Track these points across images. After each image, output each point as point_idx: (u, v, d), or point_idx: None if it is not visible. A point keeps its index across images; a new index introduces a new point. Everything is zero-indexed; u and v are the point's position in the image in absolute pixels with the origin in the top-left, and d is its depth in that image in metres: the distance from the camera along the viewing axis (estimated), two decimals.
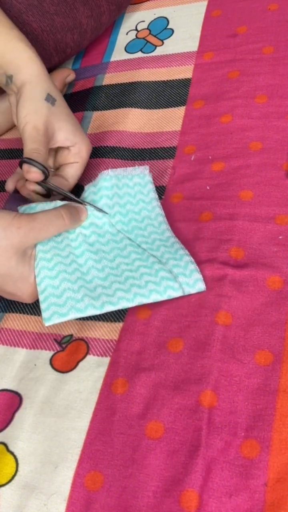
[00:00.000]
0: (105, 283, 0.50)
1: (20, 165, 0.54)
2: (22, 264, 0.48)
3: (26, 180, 0.55)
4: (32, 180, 0.53)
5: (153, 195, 0.57)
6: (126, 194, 0.56)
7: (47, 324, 0.47)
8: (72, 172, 0.59)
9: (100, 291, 0.49)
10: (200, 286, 0.49)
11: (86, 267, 0.51)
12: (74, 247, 0.52)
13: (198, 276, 0.49)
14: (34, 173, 0.53)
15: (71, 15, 0.69)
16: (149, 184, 0.57)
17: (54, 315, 0.48)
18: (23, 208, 0.53)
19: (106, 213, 0.54)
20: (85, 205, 0.53)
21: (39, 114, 0.54)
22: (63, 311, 0.48)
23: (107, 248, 0.52)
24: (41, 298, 0.49)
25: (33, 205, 0.53)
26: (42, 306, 0.48)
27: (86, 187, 0.56)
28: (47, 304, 0.48)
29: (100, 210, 0.54)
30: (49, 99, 0.55)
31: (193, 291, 0.49)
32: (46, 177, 0.54)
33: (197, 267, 0.50)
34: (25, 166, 0.53)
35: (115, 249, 0.52)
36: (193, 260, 0.50)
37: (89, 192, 0.55)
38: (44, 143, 0.54)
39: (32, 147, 0.53)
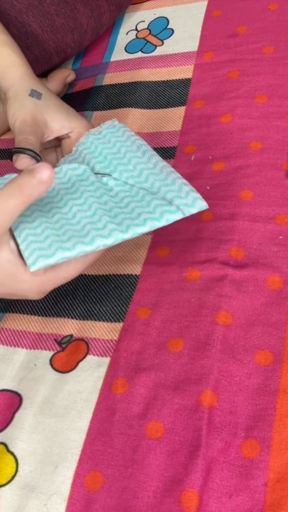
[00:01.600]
0: (94, 218, 0.44)
1: (11, 158, 0.52)
2: (14, 250, 0.42)
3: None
4: (22, 167, 0.50)
5: (129, 133, 0.52)
6: (98, 145, 0.52)
7: (32, 269, 0.40)
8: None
9: (89, 227, 0.43)
10: (201, 204, 0.44)
11: (71, 213, 0.45)
12: (55, 202, 0.46)
13: (196, 195, 0.44)
14: (22, 159, 0.50)
15: (72, 15, 0.69)
16: (121, 128, 0.53)
17: (39, 259, 0.41)
18: None
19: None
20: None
21: (25, 108, 0.54)
22: (49, 252, 0.41)
23: (92, 188, 0.47)
24: (22, 247, 0.42)
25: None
26: (25, 253, 0.41)
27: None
28: (30, 250, 0.41)
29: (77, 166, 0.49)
30: (34, 94, 0.55)
31: (194, 210, 0.44)
32: (38, 162, 0.49)
33: (193, 188, 0.45)
34: (14, 156, 0.51)
35: (100, 188, 0.47)
36: (187, 182, 0.45)
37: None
38: (32, 133, 0.53)
39: (20, 137, 0.52)
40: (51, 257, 0.41)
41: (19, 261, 0.42)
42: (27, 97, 0.54)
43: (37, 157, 0.51)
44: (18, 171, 0.50)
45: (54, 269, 0.43)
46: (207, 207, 0.44)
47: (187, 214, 0.44)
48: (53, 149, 0.60)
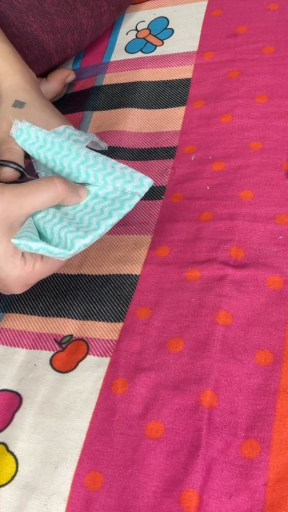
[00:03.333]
0: (61, 232, 0.45)
1: None
2: (7, 239, 0.42)
3: None
4: (8, 180, 0.50)
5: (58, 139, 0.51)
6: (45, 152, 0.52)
7: (14, 240, 0.42)
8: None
9: (63, 232, 0.44)
10: (148, 181, 0.47)
11: (48, 232, 0.46)
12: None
13: (139, 174, 0.47)
14: (7, 173, 0.50)
15: (72, 15, 0.69)
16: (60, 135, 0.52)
17: (24, 237, 0.42)
18: None
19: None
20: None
21: (7, 119, 0.53)
22: (34, 238, 0.43)
23: (49, 217, 0.47)
24: (17, 233, 0.43)
25: None
26: (17, 234, 0.43)
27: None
28: (21, 234, 0.43)
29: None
30: (17, 104, 0.54)
31: (145, 189, 0.47)
32: (23, 175, 0.51)
33: (132, 169, 0.48)
34: None
35: (57, 213, 0.47)
36: (124, 165, 0.48)
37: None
38: (15, 142, 0.52)
39: (3, 147, 0.52)
40: (34, 241, 0.42)
41: (16, 252, 0.43)
42: (9, 108, 0.54)
43: (20, 169, 0.50)
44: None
45: (43, 261, 0.45)
46: (152, 182, 0.47)
47: (142, 194, 0.47)
48: None
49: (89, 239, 0.43)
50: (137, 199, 0.46)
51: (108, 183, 0.47)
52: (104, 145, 0.57)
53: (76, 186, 0.47)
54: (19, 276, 0.44)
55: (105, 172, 0.48)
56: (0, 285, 0.45)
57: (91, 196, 0.48)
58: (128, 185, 0.47)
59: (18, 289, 0.46)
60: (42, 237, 0.45)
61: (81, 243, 0.43)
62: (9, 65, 0.56)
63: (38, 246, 0.42)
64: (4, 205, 0.42)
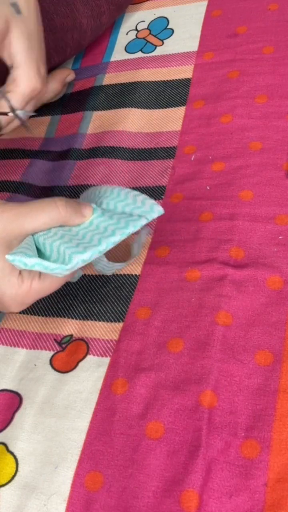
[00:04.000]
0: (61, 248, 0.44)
1: None
2: (4, 258, 0.42)
3: None
4: None
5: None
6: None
7: (8, 257, 0.41)
8: (2, 101, 0.51)
9: (62, 249, 0.44)
10: (159, 209, 0.46)
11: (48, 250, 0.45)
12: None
13: (151, 201, 0.47)
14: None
15: (71, 15, 0.69)
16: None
17: (19, 254, 0.42)
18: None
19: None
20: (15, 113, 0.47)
21: (1, 9, 0.49)
22: (30, 254, 0.42)
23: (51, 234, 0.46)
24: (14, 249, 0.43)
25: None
26: (12, 251, 0.42)
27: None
28: (17, 250, 0.42)
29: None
30: (14, 6, 0.49)
31: (154, 215, 0.46)
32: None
33: (146, 196, 0.47)
34: None
35: (59, 231, 0.46)
36: (138, 193, 0.47)
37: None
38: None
39: None
40: (29, 257, 0.41)
41: (13, 270, 0.42)
42: (8, 5, 0.50)
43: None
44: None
45: (40, 280, 0.44)
46: (163, 211, 0.46)
47: (150, 219, 0.46)
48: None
49: (87, 255, 0.42)
50: (143, 221, 0.45)
51: (117, 208, 0.47)
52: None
53: (80, 205, 0.46)
54: (16, 294, 0.43)
55: (118, 199, 0.48)
56: None
57: (97, 214, 0.46)
58: (138, 210, 0.46)
59: (14, 308, 0.45)
60: (40, 254, 0.45)
61: (79, 258, 0.42)
62: None
63: (33, 262, 0.41)
64: (4, 224, 0.41)
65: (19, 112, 0.49)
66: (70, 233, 0.45)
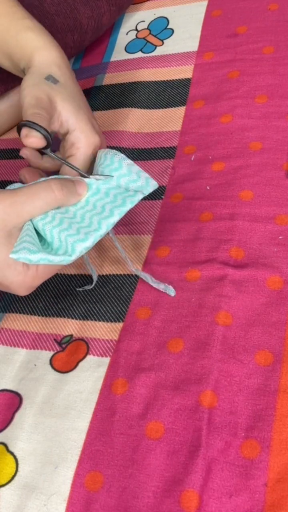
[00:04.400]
0: (71, 231, 0.44)
1: (18, 131, 0.46)
2: (6, 247, 0.42)
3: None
4: (31, 146, 0.46)
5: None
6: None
7: (13, 255, 0.41)
8: (66, 169, 0.50)
9: (64, 236, 0.44)
10: (153, 183, 0.46)
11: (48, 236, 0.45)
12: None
13: (146, 175, 0.46)
14: (34, 137, 0.45)
15: (72, 15, 0.69)
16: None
17: (23, 250, 0.42)
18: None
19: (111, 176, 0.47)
20: (89, 177, 0.47)
21: (39, 86, 0.49)
22: (34, 248, 0.42)
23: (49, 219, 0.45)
24: (17, 242, 0.43)
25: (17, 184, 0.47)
26: (15, 247, 0.42)
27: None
28: (20, 246, 0.42)
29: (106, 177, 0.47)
30: (50, 78, 0.50)
31: (150, 189, 0.46)
32: (49, 144, 0.46)
33: (139, 168, 0.47)
34: (24, 130, 0.45)
35: (57, 214, 0.45)
36: (132, 162, 0.47)
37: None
38: (46, 110, 0.47)
39: (33, 111, 0.46)
40: (33, 253, 0.41)
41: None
42: (42, 79, 0.49)
43: (49, 138, 0.46)
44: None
45: (46, 265, 0.44)
46: (157, 184, 0.47)
47: (146, 194, 0.46)
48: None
49: (90, 242, 0.43)
50: (139, 196, 0.46)
51: (112, 178, 0.47)
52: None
53: (75, 183, 0.45)
54: (23, 281, 0.43)
55: (112, 167, 0.47)
56: (5, 289, 0.45)
57: (92, 191, 0.46)
58: (133, 184, 0.46)
59: (23, 292, 0.45)
60: (42, 239, 0.45)
61: (82, 247, 0.43)
62: (42, 40, 0.52)
63: (38, 258, 0.41)
64: (2, 214, 0.41)
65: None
66: (67, 216, 0.45)
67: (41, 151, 0.48)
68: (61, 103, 0.49)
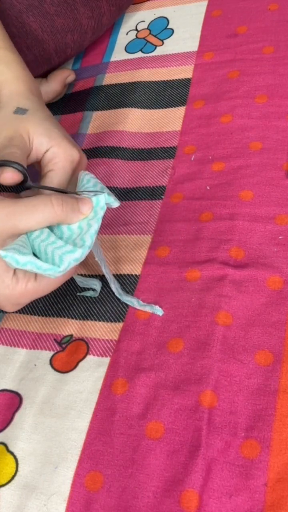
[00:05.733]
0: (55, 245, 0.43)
1: None
2: None
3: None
4: (8, 182, 0.44)
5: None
6: None
7: (1, 252, 0.40)
8: (46, 182, 0.48)
9: (50, 249, 0.42)
10: (114, 200, 0.45)
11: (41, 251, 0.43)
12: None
13: (107, 191, 0.45)
14: (10, 173, 0.44)
15: (72, 16, 0.69)
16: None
17: (11, 251, 0.41)
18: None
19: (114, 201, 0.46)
20: (79, 195, 0.45)
21: (9, 124, 0.48)
22: (24, 251, 0.41)
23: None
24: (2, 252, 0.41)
25: None
26: (6, 247, 0.41)
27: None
28: (11, 246, 0.41)
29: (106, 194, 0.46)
30: (18, 111, 0.49)
31: (113, 201, 0.45)
32: (26, 178, 0.45)
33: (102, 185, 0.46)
34: None
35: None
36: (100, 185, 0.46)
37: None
38: (18, 148, 0.46)
39: (5, 151, 0.46)
40: (23, 255, 0.40)
41: (7, 270, 0.41)
42: (11, 114, 0.49)
43: (25, 172, 0.45)
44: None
45: (36, 281, 0.43)
46: (117, 204, 0.45)
47: (108, 200, 0.44)
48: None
49: (79, 253, 0.41)
50: (104, 196, 0.44)
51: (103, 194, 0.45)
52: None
53: (78, 202, 0.44)
54: (10, 295, 0.42)
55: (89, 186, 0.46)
56: None
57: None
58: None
59: (9, 308, 0.44)
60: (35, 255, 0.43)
61: (70, 258, 0.41)
62: (12, 72, 0.53)
63: (25, 260, 0.40)
64: None
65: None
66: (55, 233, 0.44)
67: (21, 187, 0.47)
68: (32, 129, 0.48)
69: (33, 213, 0.41)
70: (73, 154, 0.49)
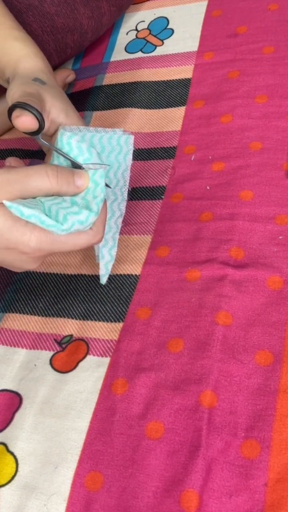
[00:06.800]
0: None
1: (9, 114, 0.44)
2: (2, 212, 0.40)
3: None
4: (23, 128, 0.44)
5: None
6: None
7: (6, 202, 0.40)
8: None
9: (55, 208, 0.42)
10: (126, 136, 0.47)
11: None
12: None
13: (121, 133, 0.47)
14: (26, 117, 0.43)
15: (72, 16, 0.69)
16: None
17: (16, 202, 0.40)
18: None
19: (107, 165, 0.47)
20: (82, 167, 0.45)
21: (28, 85, 0.48)
22: (29, 204, 0.41)
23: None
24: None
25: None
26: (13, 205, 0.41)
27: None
28: (15, 201, 0.41)
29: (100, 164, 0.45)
30: (37, 80, 0.49)
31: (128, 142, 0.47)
32: (41, 128, 0.44)
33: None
34: (16, 111, 0.43)
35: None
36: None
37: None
38: (37, 101, 0.46)
39: (24, 98, 0.45)
40: (27, 208, 0.40)
41: (16, 220, 0.40)
42: (30, 80, 0.49)
43: (41, 122, 0.44)
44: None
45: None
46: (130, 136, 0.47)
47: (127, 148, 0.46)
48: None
49: (83, 216, 0.41)
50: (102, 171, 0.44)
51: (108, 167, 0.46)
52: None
53: (74, 175, 0.43)
54: (29, 240, 0.40)
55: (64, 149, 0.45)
56: (14, 260, 0.42)
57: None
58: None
59: (32, 261, 0.42)
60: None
61: (74, 219, 0.40)
62: (29, 49, 0.53)
63: (30, 213, 0.39)
64: None
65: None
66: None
67: (32, 135, 0.46)
68: (50, 100, 0.48)
69: (28, 181, 0.40)
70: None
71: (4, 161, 0.71)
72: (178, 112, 0.66)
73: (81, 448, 0.43)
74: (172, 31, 0.76)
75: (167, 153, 0.63)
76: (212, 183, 0.58)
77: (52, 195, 0.43)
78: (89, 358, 0.48)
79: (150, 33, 0.77)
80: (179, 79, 0.70)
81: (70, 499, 0.41)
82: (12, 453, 0.44)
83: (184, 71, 0.70)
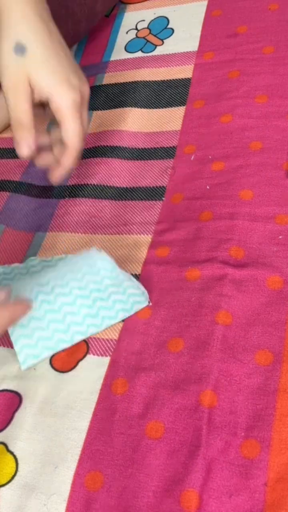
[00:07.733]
0: (73, 308, 0.49)
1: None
2: None
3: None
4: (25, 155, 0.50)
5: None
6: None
7: (23, 368, 0.48)
8: (57, 134, 0.51)
9: (69, 319, 0.48)
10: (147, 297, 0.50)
11: (56, 305, 0.49)
12: (45, 292, 0.49)
13: (142, 289, 0.50)
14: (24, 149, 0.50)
15: (63, 3, 0.68)
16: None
17: (28, 358, 0.48)
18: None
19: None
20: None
21: (10, 69, 0.47)
22: (36, 352, 0.48)
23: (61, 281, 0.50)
24: (12, 338, 0.48)
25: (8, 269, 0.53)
26: (16, 348, 0.48)
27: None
28: (20, 346, 0.48)
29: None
30: (17, 49, 0.47)
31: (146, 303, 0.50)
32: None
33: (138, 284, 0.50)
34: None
35: (87, 274, 0.50)
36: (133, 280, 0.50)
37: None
38: (24, 96, 0.48)
39: (15, 115, 0.49)
40: (38, 357, 0.48)
41: None
42: (11, 54, 0.47)
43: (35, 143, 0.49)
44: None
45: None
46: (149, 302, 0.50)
47: (147, 304, 0.50)
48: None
49: (87, 335, 0.49)
50: (144, 304, 0.50)
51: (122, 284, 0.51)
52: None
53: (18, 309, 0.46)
54: None
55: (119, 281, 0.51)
56: None
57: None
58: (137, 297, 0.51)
59: None
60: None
61: (79, 338, 0.49)
62: None
63: (43, 357, 0.49)
64: None
65: None
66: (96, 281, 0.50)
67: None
68: (33, 76, 0.48)
69: None
70: (74, 98, 0.49)
71: (4, 160, 0.71)
72: (178, 112, 0.66)
73: (81, 447, 0.43)
74: (172, 30, 0.76)
75: (167, 153, 0.63)
76: (212, 183, 0.58)
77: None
78: (89, 357, 0.48)
79: (150, 33, 0.77)
80: (179, 79, 0.70)
81: (70, 499, 0.41)
82: (12, 453, 0.44)
83: (184, 71, 0.70)
